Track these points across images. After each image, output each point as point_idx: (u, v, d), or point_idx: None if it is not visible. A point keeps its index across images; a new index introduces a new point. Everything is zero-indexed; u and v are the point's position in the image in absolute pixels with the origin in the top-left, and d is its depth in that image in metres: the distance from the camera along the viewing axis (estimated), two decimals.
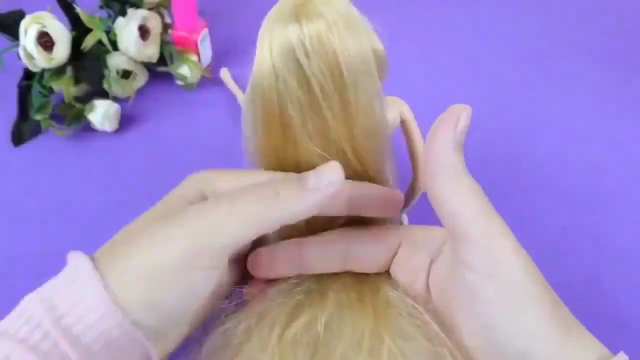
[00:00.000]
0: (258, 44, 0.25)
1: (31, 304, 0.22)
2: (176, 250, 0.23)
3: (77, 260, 0.23)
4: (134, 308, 0.22)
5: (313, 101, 0.25)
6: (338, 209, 0.28)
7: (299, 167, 0.27)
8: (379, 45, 0.26)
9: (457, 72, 0.55)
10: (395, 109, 0.31)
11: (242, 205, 0.24)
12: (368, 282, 0.29)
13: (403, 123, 0.33)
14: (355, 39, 0.25)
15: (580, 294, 0.36)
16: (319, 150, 0.27)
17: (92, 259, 0.23)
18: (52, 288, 0.23)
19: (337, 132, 0.26)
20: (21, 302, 0.22)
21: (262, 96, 0.26)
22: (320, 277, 0.29)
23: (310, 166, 0.26)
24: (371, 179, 0.29)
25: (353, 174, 0.28)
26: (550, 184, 0.43)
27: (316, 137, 0.26)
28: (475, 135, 0.47)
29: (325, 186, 0.24)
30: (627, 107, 0.51)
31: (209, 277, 0.24)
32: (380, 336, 0.25)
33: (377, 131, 0.27)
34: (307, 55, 0.24)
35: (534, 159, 0.45)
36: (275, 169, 0.28)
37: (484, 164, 0.45)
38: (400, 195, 0.30)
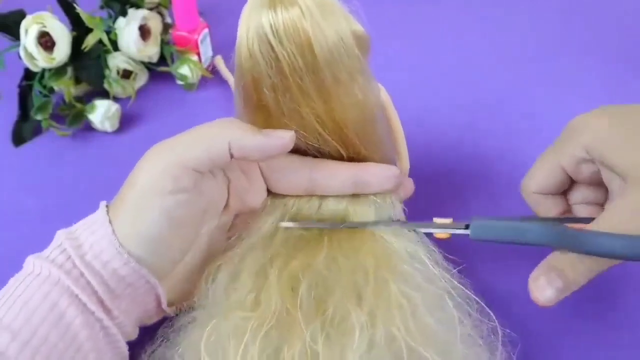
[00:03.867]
0: (238, 28, 0.28)
1: (60, 238, 0.27)
2: (144, 177, 0.27)
3: (101, 207, 0.28)
4: (130, 242, 0.26)
5: (284, 81, 0.27)
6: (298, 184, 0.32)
7: None
8: (358, 27, 0.28)
9: (456, 71, 0.55)
10: None
11: (198, 130, 0.28)
12: (363, 232, 0.31)
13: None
14: (331, 23, 0.27)
15: (581, 294, 0.36)
16: (292, 127, 0.29)
17: (107, 207, 0.28)
18: (77, 229, 0.28)
19: (311, 108, 0.28)
20: (56, 235, 0.27)
21: (242, 77, 0.29)
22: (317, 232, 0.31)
23: None
24: (359, 151, 0.31)
25: (334, 147, 0.30)
26: None
27: (290, 113, 0.29)
28: (473, 134, 0.48)
29: (276, 137, 0.28)
30: None
31: (178, 200, 0.27)
32: (385, 280, 0.27)
33: (359, 104, 0.29)
34: (279, 39, 0.26)
35: (533, 159, 0.45)
36: None
37: (483, 164, 0.45)
38: (395, 169, 0.32)
